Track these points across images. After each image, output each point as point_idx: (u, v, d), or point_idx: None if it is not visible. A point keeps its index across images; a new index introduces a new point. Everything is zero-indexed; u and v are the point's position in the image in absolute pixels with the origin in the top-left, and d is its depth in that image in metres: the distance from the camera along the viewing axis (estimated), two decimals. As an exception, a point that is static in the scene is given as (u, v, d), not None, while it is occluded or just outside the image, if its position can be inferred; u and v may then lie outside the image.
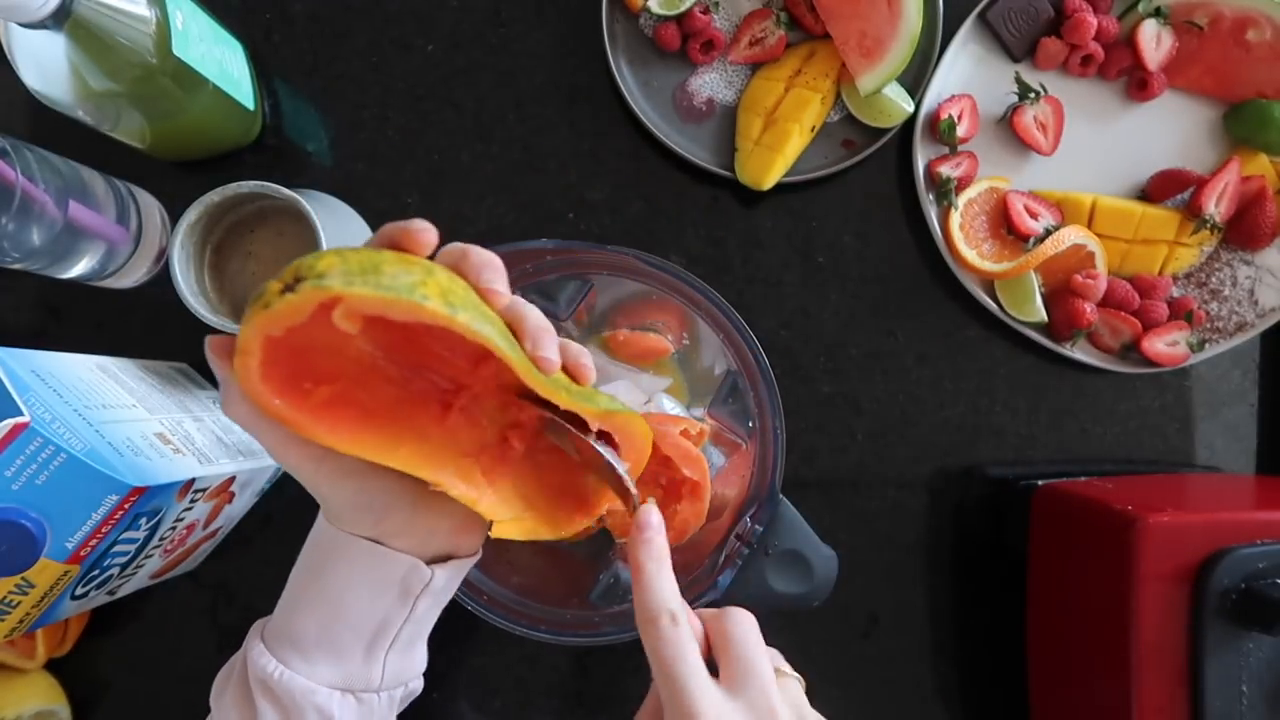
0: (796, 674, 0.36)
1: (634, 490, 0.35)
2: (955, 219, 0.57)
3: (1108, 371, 0.59)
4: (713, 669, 0.33)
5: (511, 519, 0.36)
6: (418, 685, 0.41)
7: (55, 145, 0.48)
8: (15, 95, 0.56)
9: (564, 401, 0.33)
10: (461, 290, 0.31)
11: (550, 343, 0.33)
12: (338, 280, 0.28)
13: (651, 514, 0.36)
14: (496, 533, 0.35)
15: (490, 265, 0.33)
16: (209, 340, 0.32)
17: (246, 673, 0.37)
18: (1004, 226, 0.57)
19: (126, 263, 0.52)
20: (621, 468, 0.35)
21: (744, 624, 0.35)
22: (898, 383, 0.59)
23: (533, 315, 0.33)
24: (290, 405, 0.31)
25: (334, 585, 0.36)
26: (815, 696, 0.35)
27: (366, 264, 0.29)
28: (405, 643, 0.38)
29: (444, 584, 0.38)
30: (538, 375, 0.32)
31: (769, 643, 0.35)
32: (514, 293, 0.34)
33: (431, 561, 0.37)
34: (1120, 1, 0.56)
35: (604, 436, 0.35)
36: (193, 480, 0.45)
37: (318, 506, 0.37)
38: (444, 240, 0.31)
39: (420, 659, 0.40)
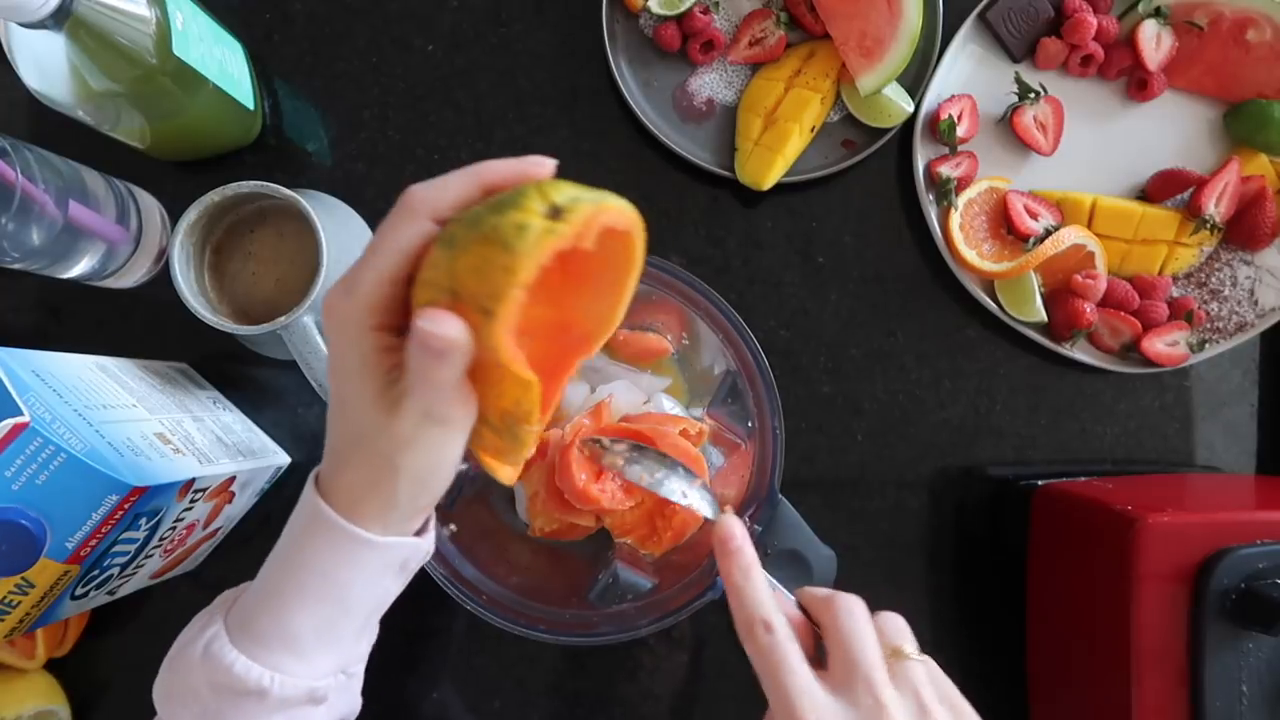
0: (922, 656, 0.35)
1: (711, 502, 0.34)
2: (955, 219, 0.57)
3: (1108, 371, 0.58)
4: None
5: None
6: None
7: (55, 145, 0.48)
8: (15, 95, 0.56)
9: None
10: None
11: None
12: (587, 195, 0.26)
13: (734, 526, 0.35)
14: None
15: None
16: (432, 320, 0.26)
17: (207, 680, 0.36)
18: (1004, 226, 0.57)
19: (126, 263, 0.52)
20: (705, 496, 0.33)
21: (850, 614, 0.34)
22: (898, 383, 0.59)
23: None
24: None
25: (340, 584, 0.35)
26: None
27: (565, 184, 0.27)
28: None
29: (430, 546, 0.38)
30: None
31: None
32: None
33: (418, 532, 0.37)
34: (1120, 1, 0.56)
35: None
36: (193, 480, 0.45)
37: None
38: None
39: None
